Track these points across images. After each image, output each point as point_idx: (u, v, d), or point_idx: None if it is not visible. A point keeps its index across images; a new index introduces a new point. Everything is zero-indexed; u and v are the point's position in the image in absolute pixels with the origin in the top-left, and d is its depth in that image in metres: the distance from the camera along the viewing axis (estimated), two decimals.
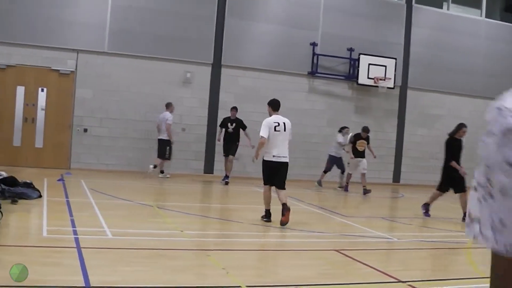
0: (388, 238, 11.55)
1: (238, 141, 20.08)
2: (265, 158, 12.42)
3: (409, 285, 8.17)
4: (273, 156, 12.28)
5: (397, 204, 18.75)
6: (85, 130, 20.47)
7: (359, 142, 20.22)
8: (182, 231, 10.72)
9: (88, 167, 20.32)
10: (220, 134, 20.22)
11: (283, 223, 11.98)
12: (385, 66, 23.84)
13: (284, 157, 12.35)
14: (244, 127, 19.98)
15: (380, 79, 23.57)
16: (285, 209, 12.06)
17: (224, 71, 22.07)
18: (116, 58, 20.76)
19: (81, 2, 20.50)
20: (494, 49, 26.97)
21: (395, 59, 24.17)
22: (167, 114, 20.07)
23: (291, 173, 21.14)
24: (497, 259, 2.13)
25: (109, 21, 20.62)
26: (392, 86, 23.96)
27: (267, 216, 12.61)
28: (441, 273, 9.38)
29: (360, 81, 23.57)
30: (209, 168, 21.68)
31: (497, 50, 27.06)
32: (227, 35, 22.04)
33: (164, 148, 20.11)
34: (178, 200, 15.45)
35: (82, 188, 15.82)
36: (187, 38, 21.44)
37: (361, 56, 23.63)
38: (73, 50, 20.34)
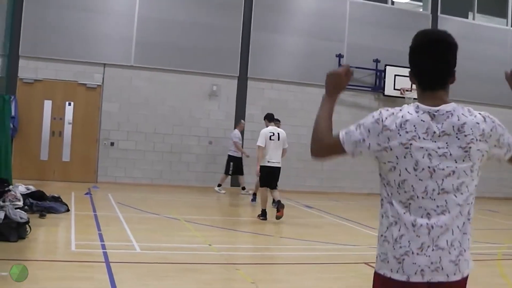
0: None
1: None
2: (262, 164, 14.40)
3: None
4: (268, 161, 14.40)
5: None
6: (112, 144, 20.53)
7: None
8: (210, 244, 10.67)
9: (115, 181, 20.37)
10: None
11: (279, 217, 13.97)
12: None
13: (277, 162, 14.47)
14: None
15: (407, 90, 23.40)
16: (280, 205, 13.99)
17: (250, 84, 22.07)
18: (142, 71, 20.83)
19: (107, 16, 20.62)
20: None
21: None
22: (234, 132, 20.38)
23: (318, 185, 21.13)
24: None
25: (135, 34, 20.72)
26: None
27: (263, 215, 14.42)
28: (471, 286, 9.22)
29: (387, 92, 23.44)
30: (236, 180, 21.62)
31: None
32: (253, 48, 22.06)
33: (228, 164, 20.22)
34: (205, 213, 15.40)
35: (109, 201, 15.84)
36: (213, 50, 21.48)
37: (387, 67, 23.51)
38: (100, 64, 20.45)
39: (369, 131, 3.23)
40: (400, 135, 3.10)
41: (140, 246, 9.98)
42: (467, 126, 3.15)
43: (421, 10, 25.59)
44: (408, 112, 3.15)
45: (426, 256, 3.06)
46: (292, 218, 15.70)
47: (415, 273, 3.06)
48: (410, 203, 3.12)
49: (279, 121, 16.39)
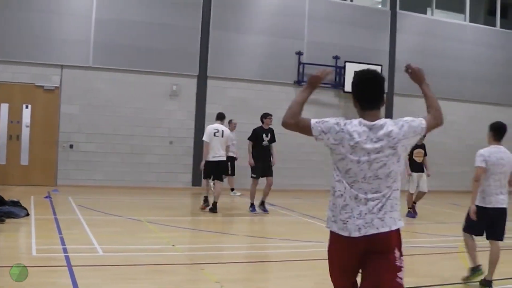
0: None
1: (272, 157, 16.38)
2: (207, 159, 15.68)
3: None
4: (212, 156, 15.64)
5: None
6: (71, 146, 20.25)
7: (416, 152, 16.58)
8: (174, 245, 10.59)
9: (76, 184, 20.09)
10: (251, 152, 16.12)
11: (202, 209, 15.74)
12: None
13: (221, 156, 15.75)
14: (274, 140, 16.37)
15: None
16: (213, 207, 15.43)
17: (210, 83, 21.96)
18: (102, 72, 20.59)
19: (64, 17, 20.30)
20: (479, 53, 27.09)
21: (381, 66, 24.11)
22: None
23: (283, 183, 21.13)
24: None
25: (93, 35, 20.45)
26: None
27: (205, 201, 15.89)
28: (437, 279, 9.29)
29: (347, 88, 23.40)
30: (197, 180, 21.51)
31: (483, 54, 27.18)
32: (213, 47, 21.96)
33: (226, 165, 19.97)
34: (168, 214, 15.26)
35: (70, 205, 15.61)
36: (173, 50, 21.33)
37: (347, 63, 23.58)
38: (57, 65, 20.14)
39: (331, 128, 4.60)
40: (349, 138, 4.50)
41: (103, 249, 9.86)
42: (393, 132, 4.50)
43: (380, 6, 25.73)
44: (355, 124, 4.56)
45: (363, 219, 4.42)
46: (256, 216, 15.67)
47: (355, 230, 4.42)
48: (353, 185, 4.51)
49: (270, 115, 16.55)
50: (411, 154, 16.51)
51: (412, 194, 16.53)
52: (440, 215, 17.52)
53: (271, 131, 16.21)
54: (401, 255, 4.48)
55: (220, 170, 15.98)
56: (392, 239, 4.46)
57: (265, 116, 16.37)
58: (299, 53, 23.14)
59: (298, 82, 22.99)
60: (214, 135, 15.74)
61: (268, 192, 16.07)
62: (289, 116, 4.88)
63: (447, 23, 26.74)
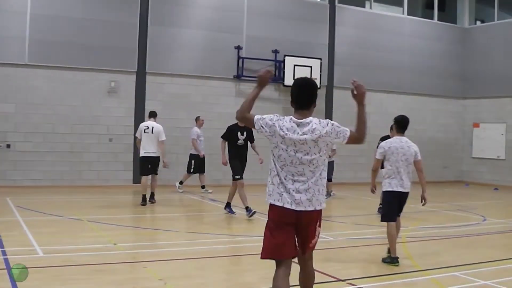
0: (324, 238, 11.55)
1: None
2: (140, 154, 16.57)
3: (349, 283, 8.21)
4: (144, 152, 16.49)
5: (329, 203, 18.83)
6: (8, 146, 19.87)
7: None
8: (115, 244, 10.53)
9: (13, 184, 19.73)
10: (224, 151, 15.33)
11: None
12: (311, 67, 23.98)
13: (152, 152, 16.51)
14: (252, 139, 15.39)
15: None
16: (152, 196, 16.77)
17: (149, 79, 21.80)
18: (38, 70, 20.21)
19: None
20: (417, 46, 27.62)
21: (320, 59, 24.36)
22: (193, 129, 20.28)
23: (224, 178, 21.12)
24: None
25: (28, 32, 20.06)
26: (318, 86, 24.05)
27: (144, 200, 16.47)
28: (380, 269, 9.44)
29: (287, 82, 23.57)
30: (138, 178, 21.35)
31: (421, 47, 27.72)
32: (151, 42, 21.80)
33: (190, 162, 20.20)
34: (109, 212, 15.14)
35: (8, 206, 15.34)
36: (110, 46, 21.10)
37: (286, 57, 23.72)
38: None
39: (267, 123, 5.82)
40: (280, 131, 5.70)
41: (43, 250, 9.72)
42: (316, 129, 5.67)
43: (319, 0, 25.90)
44: (286, 120, 5.76)
45: (293, 196, 5.67)
46: (197, 212, 15.68)
47: (287, 203, 5.68)
48: (283, 167, 5.74)
49: None
50: None
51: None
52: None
53: (247, 129, 14.86)
54: (319, 225, 5.96)
55: (151, 165, 16.71)
56: (315, 216, 5.85)
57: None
58: (238, 48, 23.16)
59: (237, 77, 23.01)
60: (145, 132, 16.59)
61: (233, 193, 15.11)
62: (240, 111, 6.05)
63: (385, 16, 27.15)
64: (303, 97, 5.82)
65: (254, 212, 14.34)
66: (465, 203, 19.68)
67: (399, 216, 10.03)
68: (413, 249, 11.12)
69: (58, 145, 20.43)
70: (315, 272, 6.43)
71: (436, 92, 28.06)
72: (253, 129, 5.97)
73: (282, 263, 5.77)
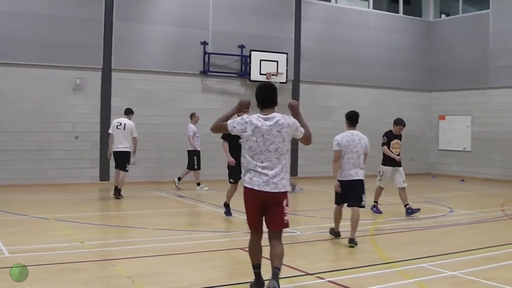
0: (292, 232, 11.59)
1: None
2: (112, 150, 17.54)
3: (318, 276, 8.25)
4: (115, 147, 17.37)
5: (296, 197, 18.89)
6: None
7: (393, 143, 15.59)
8: (82, 242, 10.47)
9: None
10: (228, 151, 14.32)
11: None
12: (277, 62, 24.03)
13: (122, 147, 17.28)
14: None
15: (273, 75, 23.73)
16: (116, 192, 17.40)
17: (115, 75, 21.64)
18: (2, 67, 20.01)
19: None
20: (383, 39, 27.79)
21: (286, 53, 24.40)
22: (189, 126, 20.23)
23: (190, 174, 21.08)
24: None
25: None
26: (284, 81, 24.18)
27: (117, 193, 17.36)
28: (348, 262, 9.51)
29: (253, 77, 23.63)
30: (105, 175, 21.26)
31: (387, 40, 27.89)
32: (116, 38, 21.63)
33: (192, 159, 20.18)
34: (76, 210, 15.01)
35: None
36: (75, 43, 20.88)
37: (253, 52, 23.72)
38: None
39: (238, 123, 7.21)
40: (250, 125, 7.11)
41: (9, 250, 9.64)
42: (280, 122, 7.12)
43: None
44: (254, 117, 7.16)
45: (262, 179, 7.02)
46: (165, 209, 15.64)
47: (256, 185, 7.03)
48: (253, 156, 7.10)
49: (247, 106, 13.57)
50: (387, 145, 15.41)
51: (381, 188, 15.61)
52: None
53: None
54: (287, 205, 7.19)
55: (122, 160, 17.47)
56: (282, 197, 7.13)
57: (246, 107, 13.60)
58: (204, 43, 23.10)
59: (204, 72, 22.95)
60: (117, 128, 17.48)
61: (232, 194, 14.07)
62: (215, 124, 7.51)
63: (351, 10, 27.27)
64: (266, 98, 7.33)
65: (230, 215, 13.89)
66: (433, 195, 19.88)
67: (360, 206, 10.95)
68: (381, 242, 11.21)
69: (23, 143, 20.20)
70: (283, 266, 6.95)
71: (402, 85, 28.26)
72: (226, 132, 7.35)
73: (254, 233, 7.36)
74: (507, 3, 25.97)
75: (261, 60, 23.72)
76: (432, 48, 29.08)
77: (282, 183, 7.08)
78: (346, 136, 11.12)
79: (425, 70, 28.97)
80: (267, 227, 7.22)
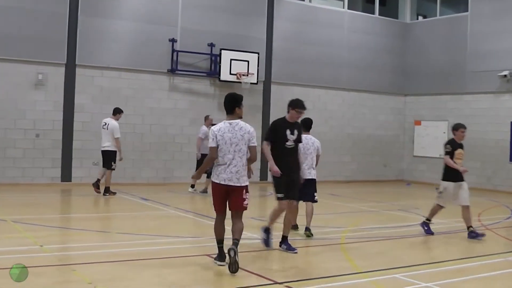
0: (259, 239, 11.59)
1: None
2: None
3: (286, 286, 8.28)
4: (101, 146, 18.44)
5: (266, 203, 18.93)
6: None
7: (457, 153, 13.84)
8: (42, 245, 10.40)
9: None
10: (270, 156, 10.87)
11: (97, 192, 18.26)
12: (248, 61, 24.04)
13: (106, 146, 18.30)
14: (301, 139, 11.39)
15: (243, 75, 23.74)
16: (95, 184, 18.31)
17: (79, 71, 21.50)
18: None
19: None
20: (357, 40, 27.92)
21: (258, 53, 24.41)
22: (201, 128, 20.25)
23: (154, 176, 21.05)
24: None
25: None
26: (255, 82, 24.20)
27: (108, 191, 18.29)
28: (318, 271, 9.55)
29: (223, 77, 23.67)
30: (67, 175, 21.13)
31: (361, 41, 28.02)
32: (81, 33, 21.50)
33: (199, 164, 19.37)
34: (35, 212, 14.92)
35: None
36: (38, 37, 20.73)
37: (223, 51, 23.72)
38: None
39: (213, 138, 9.25)
40: (219, 132, 9.21)
41: None
42: (243, 128, 9.25)
43: None
44: (220, 125, 9.33)
45: (227, 175, 9.16)
46: (128, 212, 15.59)
47: (222, 180, 9.17)
48: (223, 157, 9.18)
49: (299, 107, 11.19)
50: (451, 155, 13.77)
51: (441, 207, 13.89)
52: (318, 206, 17.96)
53: (298, 125, 11.28)
54: (246, 192, 9.33)
55: (105, 158, 18.45)
56: (243, 189, 9.30)
57: (296, 105, 11.15)
58: (173, 40, 23.06)
59: (171, 71, 22.91)
60: (102, 127, 18.59)
61: (276, 217, 11.29)
62: (210, 158, 9.43)
63: (325, 10, 27.37)
64: (231, 105, 9.42)
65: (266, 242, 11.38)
66: (406, 202, 20.03)
67: (313, 201, 12.72)
68: (352, 251, 11.27)
69: None
70: (251, 275, 7.31)
71: (376, 88, 28.43)
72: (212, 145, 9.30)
73: (219, 215, 9.48)
74: (486, 5, 26.19)
75: (231, 60, 23.72)
76: (407, 50, 29.30)
77: (243, 179, 9.31)
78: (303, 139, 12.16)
79: (400, 73, 29.20)
80: (229, 209, 9.37)
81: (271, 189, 20.61)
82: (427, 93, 28.33)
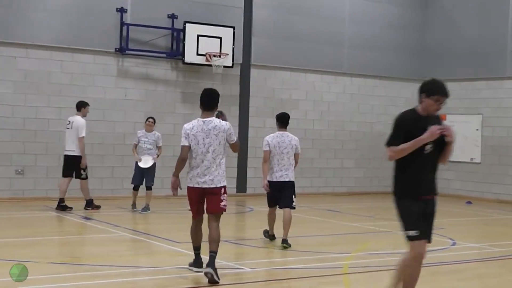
0: (237, 268, 11.66)
1: None
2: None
3: None
4: (65, 150, 19.29)
5: (244, 221, 18.96)
6: None
7: None
8: None
9: None
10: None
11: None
12: (220, 38, 23.99)
13: (69, 150, 19.07)
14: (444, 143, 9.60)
15: (214, 56, 23.69)
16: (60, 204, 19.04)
17: None
18: None
19: None
20: (363, 12, 27.87)
21: (233, 27, 24.35)
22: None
23: (98, 189, 21.00)
24: None
25: None
26: (230, 65, 24.25)
27: (59, 204, 19.03)
28: None
29: (188, 59, 23.65)
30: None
31: (368, 13, 28.00)
32: (1, 3, 21.40)
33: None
34: None
35: None
36: None
37: (187, 25, 23.67)
38: None
39: (185, 137, 11.03)
40: (192, 131, 10.97)
41: None
42: (217, 127, 10.97)
43: None
44: (193, 122, 11.11)
45: (200, 177, 10.94)
46: (64, 235, 15.54)
47: (196, 184, 10.96)
48: (196, 157, 10.99)
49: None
50: None
51: None
52: (314, 227, 18.00)
53: (438, 121, 9.22)
54: (224, 193, 11.02)
55: (71, 166, 19.19)
56: (219, 190, 10.93)
57: (434, 91, 8.89)
58: (122, 11, 22.98)
59: (120, 50, 22.90)
60: (66, 128, 19.44)
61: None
62: (182, 161, 11.15)
63: None
64: (208, 102, 11.12)
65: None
66: None
67: (291, 207, 14.22)
68: (357, 283, 11.29)
69: None
70: None
71: (387, 73, 28.27)
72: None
73: (195, 219, 11.24)
74: None
75: (198, 36, 23.61)
76: (430, 23, 29.22)
77: (218, 179, 10.96)
78: (277, 137, 14.40)
79: (420, 53, 29.13)
80: (206, 212, 11.05)
81: (250, 203, 20.68)
82: (455, 78, 28.07)
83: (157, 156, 19.49)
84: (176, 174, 11.32)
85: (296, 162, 14.55)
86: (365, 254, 14.08)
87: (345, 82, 27.44)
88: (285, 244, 13.75)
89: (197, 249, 11.24)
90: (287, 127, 14.66)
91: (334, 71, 27.10)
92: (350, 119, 27.14)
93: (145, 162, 19.14)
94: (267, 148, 14.26)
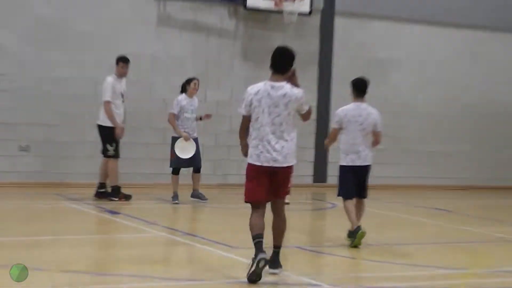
0: (314, 285, 11.45)
1: None
2: None
3: None
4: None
5: (322, 221, 18.74)
6: None
7: None
8: None
9: None
10: None
11: None
12: None
13: (98, 120, 19.54)
14: None
15: (286, 0, 23.43)
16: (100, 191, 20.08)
17: None
18: None
19: None
20: None
21: None
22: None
23: (131, 172, 20.86)
24: None
25: None
26: (307, 11, 24.15)
27: (118, 194, 19.48)
28: None
29: (250, 3, 23.54)
30: None
31: None
32: None
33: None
34: None
35: None
36: None
37: None
38: None
39: (246, 104, 11.61)
40: (256, 96, 11.53)
41: None
42: (287, 94, 11.45)
43: None
44: (259, 85, 11.65)
45: (270, 154, 11.42)
46: (81, 235, 15.44)
47: (265, 161, 11.44)
48: (259, 128, 11.53)
49: None
50: None
51: None
52: (416, 229, 17.64)
53: None
54: (291, 173, 11.61)
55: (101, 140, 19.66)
56: (289, 170, 11.51)
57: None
58: None
59: None
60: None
61: None
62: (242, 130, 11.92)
63: None
64: (280, 63, 11.50)
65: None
66: None
67: (364, 197, 15.06)
68: None
69: None
70: None
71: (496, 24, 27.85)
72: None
73: (258, 209, 11.47)
74: None
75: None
76: None
77: (290, 157, 11.49)
78: (352, 110, 14.72)
79: None
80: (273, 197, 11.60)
81: (331, 197, 20.39)
82: None
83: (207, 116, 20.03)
84: (243, 142, 12.06)
85: (376, 142, 14.88)
86: (489, 272, 13.55)
87: (457, 36, 26.96)
88: (360, 231, 14.16)
89: (260, 237, 11.13)
90: (364, 97, 14.74)
91: (448, 22, 26.68)
92: (464, 86, 26.68)
93: (186, 150, 19.06)
94: (337, 126, 14.74)
